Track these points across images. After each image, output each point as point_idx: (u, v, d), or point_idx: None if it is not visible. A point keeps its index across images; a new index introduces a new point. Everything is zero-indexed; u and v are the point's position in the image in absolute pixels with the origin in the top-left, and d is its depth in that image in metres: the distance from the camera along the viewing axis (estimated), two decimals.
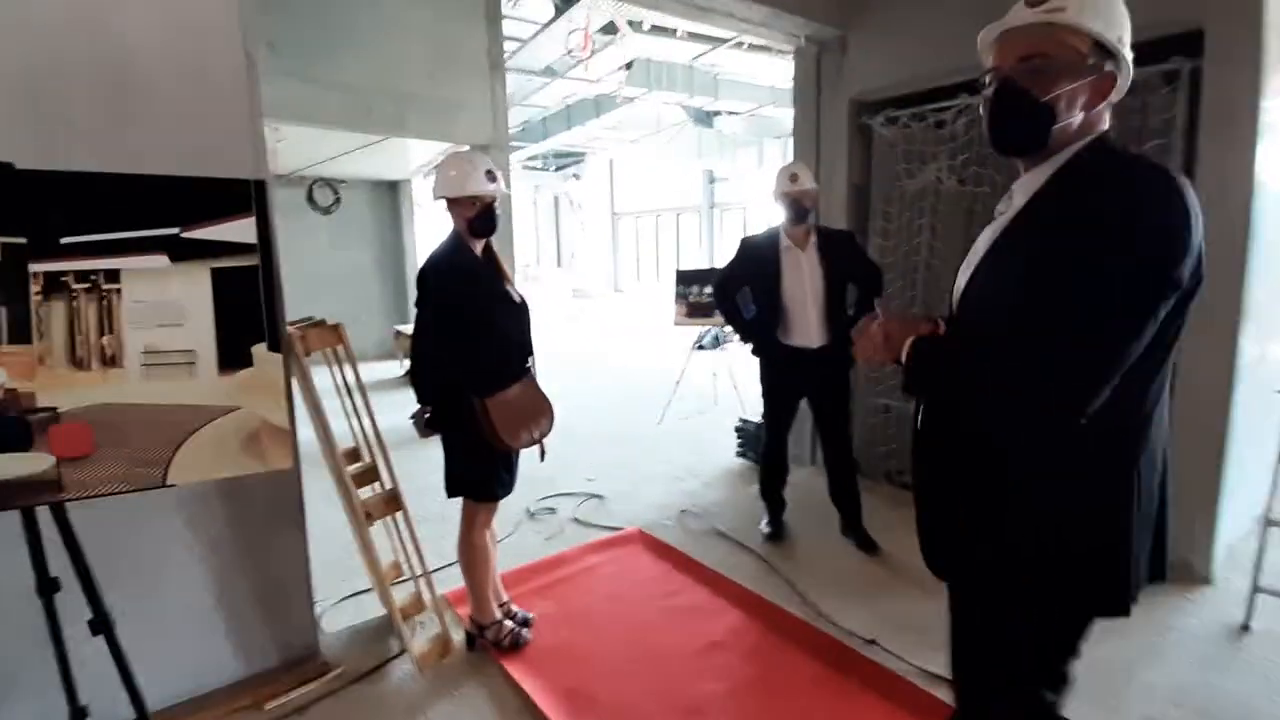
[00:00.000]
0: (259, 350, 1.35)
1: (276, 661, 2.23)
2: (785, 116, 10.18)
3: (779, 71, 7.90)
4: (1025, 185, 1.10)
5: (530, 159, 15.60)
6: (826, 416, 3.11)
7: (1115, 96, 1.05)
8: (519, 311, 2.17)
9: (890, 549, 3.06)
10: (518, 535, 3.52)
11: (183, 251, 1.27)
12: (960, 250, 3.44)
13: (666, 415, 5.69)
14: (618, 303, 16.91)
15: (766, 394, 3.18)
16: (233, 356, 1.32)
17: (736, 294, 3.12)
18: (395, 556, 2.62)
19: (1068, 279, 0.95)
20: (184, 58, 1.85)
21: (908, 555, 3.01)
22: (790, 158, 3.92)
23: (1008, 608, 1.12)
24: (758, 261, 3.03)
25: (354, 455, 2.44)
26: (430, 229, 9.57)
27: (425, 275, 2.04)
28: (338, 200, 9.56)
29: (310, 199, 9.38)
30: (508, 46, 5.98)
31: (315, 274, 8.88)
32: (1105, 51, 1.02)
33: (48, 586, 1.27)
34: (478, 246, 2.15)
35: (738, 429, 4.51)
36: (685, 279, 5.84)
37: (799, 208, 2.94)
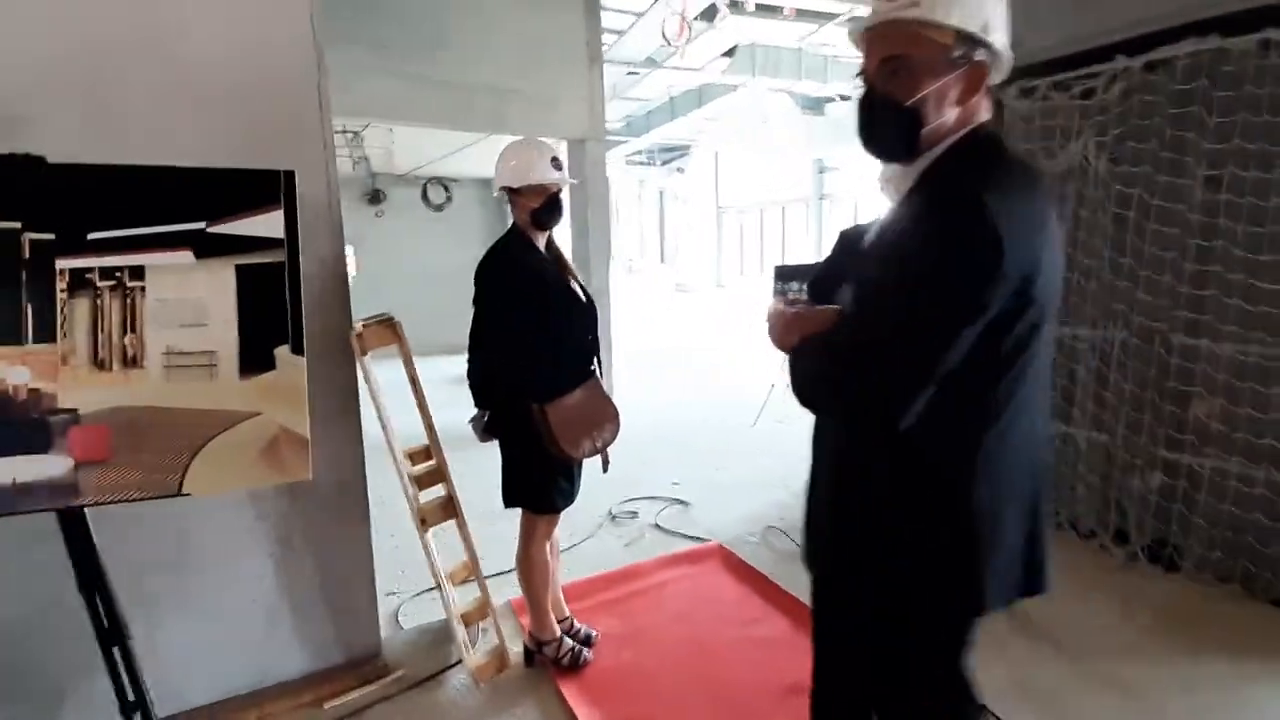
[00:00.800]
0: (282, 353, 1.27)
1: (342, 659, 2.22)
2: None
3: None
4: (900, 182, 1.08)
5: (634, 153, 15.59)
6: None
7: (997, 79, 1.02)
8: (584, 310, 2.01)
9: None
10: (596, 538, 3.43)
11: (208, 247, 1.22)
12: (1114, 240, 2.92)
13: (761, 418, 5.40)
14: (719, 298, 16.58)
15: None
16: (254, 359, 1.25)
17: (834, 294, 2.79)
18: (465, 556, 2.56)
19: (884, 290, 0.98)
20: (252, 51, 1.84)
21: (1035, 601, 2.59)
22: None
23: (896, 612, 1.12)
24: (859, 256, 2.68)
25: (425, 454, 2.39)
26: None
27: (482, 270, 1.92)
28: (449, 198, 9.97)
29: (424, 197, 9.83)
30: (606, 39, 5.88)
31: (427, 269, 9.29)
32: (973, 41, 0.97)
33: (89, 583, 1.26)
34: (540, 240, 2.01)
35: None
36: (784, 275, 5.47)
37: None
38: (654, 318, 12.66)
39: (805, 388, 1.06)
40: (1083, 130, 2.96)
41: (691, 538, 3.34)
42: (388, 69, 4.71)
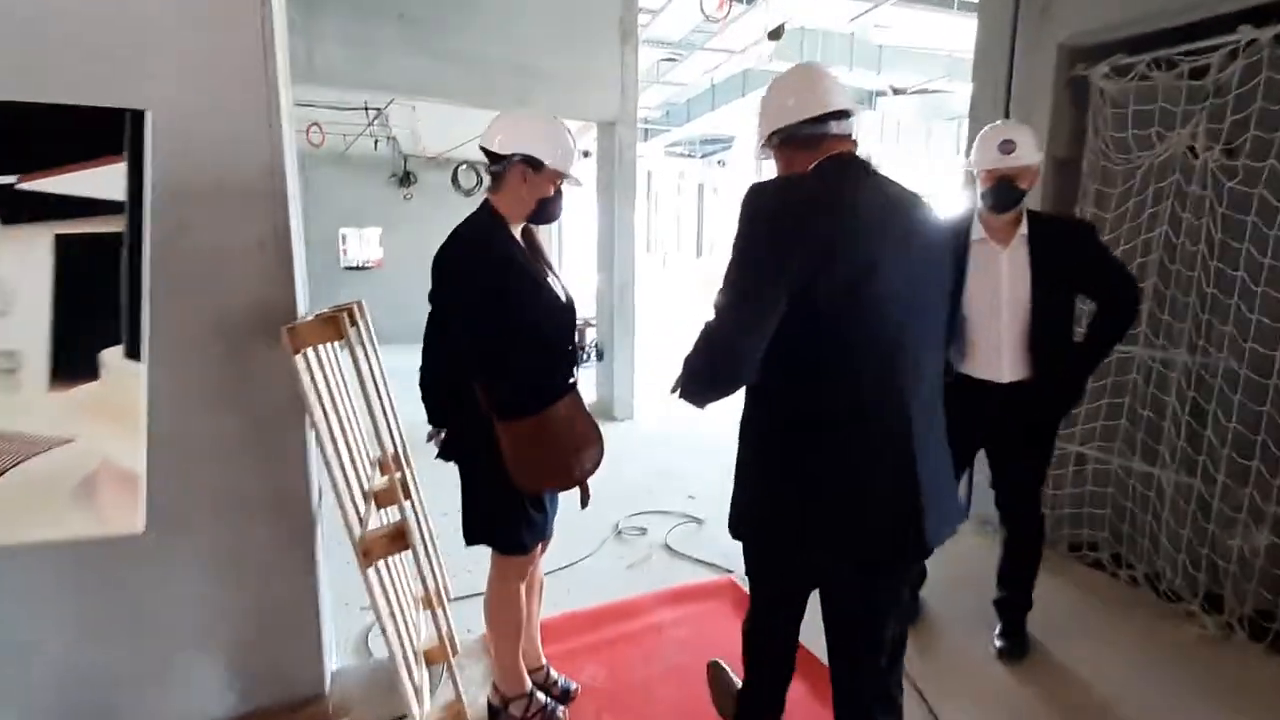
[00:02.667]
0: (111, 357, 0.95)
1: (279, 699, 1.93)
2: (957, 95, 8.84)
3: (956, 36, 6.67)
4: None
5: (673, 144, 15.15)
6: (1010, 476, 2.24)
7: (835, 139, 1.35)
8: (564, 312, 1.65)
9: (1064, 656, 2.20)
10: (597, 556, 3.13)
11: (17, 209, 0.90)
12: (1222, 248, 2.41)
13: None
14: None
15: None
16: (72, 363, 0.93)
17: None
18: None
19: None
20: None
21: (1095, 668, 2.16)
22: (963, 142, 3.03)
23: None
24: None
25: (384, 467, 2.07)
26: (569, 208, 9.48)
27: (443, 260, 1.56)
28: (479, 183, 9.73)
29: (454, 181, 9.61)
30: (641, 18, 5.50)
31: None
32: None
33: None
34: (517, 229, 1.66)
35: None
36: None
37: (1011, 191, 2.05)
38: (685, 314, 12.29)
39: (689, 385, 1.26)
40: (1190, 115, 2.48)
41: (703, 563, 3.00)
42: (411, 44, 4.44)
